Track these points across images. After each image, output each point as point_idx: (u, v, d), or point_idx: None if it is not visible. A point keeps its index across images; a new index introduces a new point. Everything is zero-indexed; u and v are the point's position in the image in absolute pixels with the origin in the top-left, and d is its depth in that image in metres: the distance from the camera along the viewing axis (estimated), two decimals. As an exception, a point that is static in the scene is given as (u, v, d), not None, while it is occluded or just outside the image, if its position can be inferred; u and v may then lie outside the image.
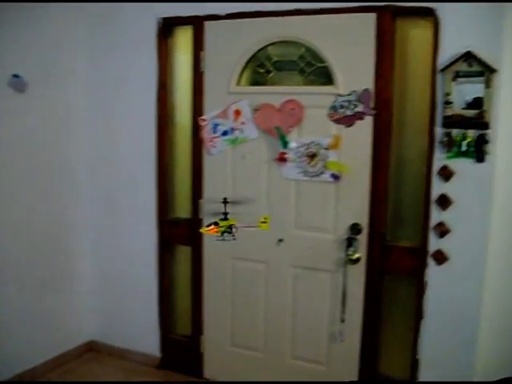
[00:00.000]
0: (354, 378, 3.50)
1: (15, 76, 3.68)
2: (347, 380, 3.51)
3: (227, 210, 3.22)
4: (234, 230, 3.21)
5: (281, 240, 3.59)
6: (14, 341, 3.91)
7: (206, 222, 3.50)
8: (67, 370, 4.19)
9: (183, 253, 4.05)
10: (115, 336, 4.38)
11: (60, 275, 4.23)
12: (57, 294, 4.21)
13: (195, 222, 3.85)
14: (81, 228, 4.33)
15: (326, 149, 3.37)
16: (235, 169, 3.67)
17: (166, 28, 3.83)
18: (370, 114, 3.25)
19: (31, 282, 3.99)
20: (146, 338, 4.22)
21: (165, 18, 3.79)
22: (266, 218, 3.36)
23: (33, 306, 4.02)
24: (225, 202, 3.23)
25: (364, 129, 3.29)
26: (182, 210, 4.00)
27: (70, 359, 4.31)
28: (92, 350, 4.48)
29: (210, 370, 4.01)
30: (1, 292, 3.79)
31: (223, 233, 3.20)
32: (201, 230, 3.34)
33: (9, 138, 3.74)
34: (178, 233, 3.99)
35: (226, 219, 3.21)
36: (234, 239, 3.21)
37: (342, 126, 3.33)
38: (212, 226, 3.19)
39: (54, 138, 4.05)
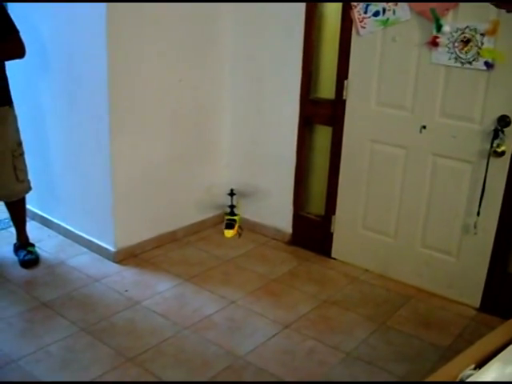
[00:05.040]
0: (483, 273, 3.49)
1: None
2: (476, 271, 3.51)
3: (234, 203, 3.03)
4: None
5: (424, 127, 3.51)
6: (162, 205, 4.20)
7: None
8: (203, 236, 4.44)
9: (323, 133, 4.06)
10: (249, 210, 4.48)
11: (203, 150, 4.42)
12: (199, 166, 4.41)
13: (338, 102, 3.84)
14: (225, 104, 4.44)
15: (482, 35, 3.19)
16: (384, 51, 3.58)
17: None
18: (538, -1, 3.02)
19: (179, 153, 4.22)
20: (278, 213, 4.34)
21: None
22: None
23: (178, 175, 4.27)
24: (231, 193, 3.03)
25: (528, 14, 3.06)
26: (326, 91, 3.97)
27: (205, 227, 4.54)
28: (226, 220, 4.71)
29: (338, 250, 4.10)
30: (155, 163, 4.05)
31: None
32: (226, 235, 3.07)
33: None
34: (320, 113, 3.98)
35: (234, 213, 3.05)
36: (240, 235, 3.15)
37: (502, 11, 3.11)
38: (235, 227, 3.04)
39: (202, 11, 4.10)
